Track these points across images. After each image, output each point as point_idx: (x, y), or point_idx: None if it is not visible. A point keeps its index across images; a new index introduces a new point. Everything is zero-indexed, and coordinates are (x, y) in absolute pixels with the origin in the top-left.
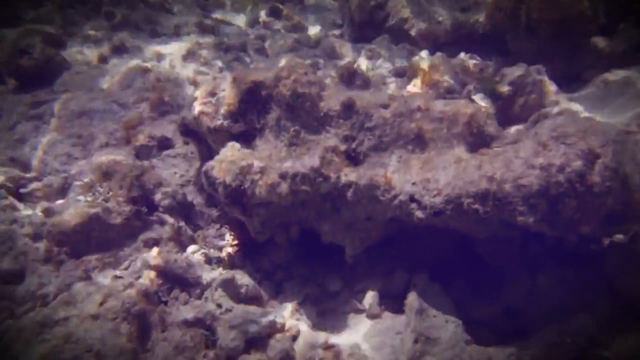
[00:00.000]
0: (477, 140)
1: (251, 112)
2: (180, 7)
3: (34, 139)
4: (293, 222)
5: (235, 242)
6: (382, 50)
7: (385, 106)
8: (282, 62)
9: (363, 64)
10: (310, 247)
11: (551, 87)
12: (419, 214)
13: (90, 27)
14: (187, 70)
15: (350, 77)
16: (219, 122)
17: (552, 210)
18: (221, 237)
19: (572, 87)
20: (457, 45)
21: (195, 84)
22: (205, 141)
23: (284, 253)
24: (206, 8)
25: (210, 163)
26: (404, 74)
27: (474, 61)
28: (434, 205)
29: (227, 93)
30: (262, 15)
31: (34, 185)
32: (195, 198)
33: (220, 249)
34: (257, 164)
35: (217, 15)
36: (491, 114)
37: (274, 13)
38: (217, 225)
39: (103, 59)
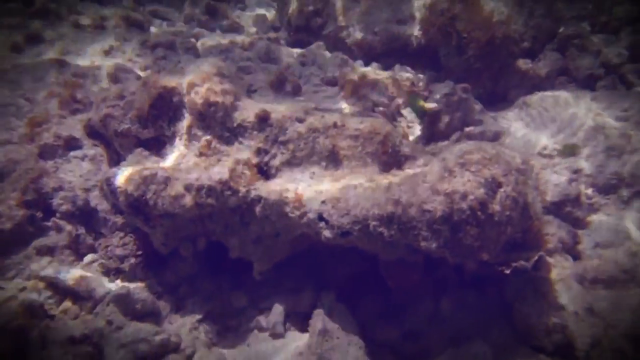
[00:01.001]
0: (391, 160)
1: (162, 119)
2: None
3: None
4: (200, 234)
5: (139, 252)
6: (316, 57)
7: (301, 120)
8: (205, 66)
9: (296, 70)
10: (218, 261)
11: (476, 106)
12: (327, 233)
13: (5, 11)
14: (108, 66)
15: (280, 84)
16: (126, 126)
17: (453, 237)
18: (124, 246)
19: (497, 106)
20: (392, 56)
21: (115, 81)
22: (113, 145)
23: (189, 266)
24: (142, 1)
25: (113, 170)
26: (336, 83)
27: (406, 75)
28: (342, 226)
29: (137, 97)
30: (198, 12)
31: None
32: (100, 204)
33: (121, 259)
34: (161, 173)
35: (152, 8)
36: (407, 133)
37: (211, 11)
38: (122, 234)
39: (17, 48)
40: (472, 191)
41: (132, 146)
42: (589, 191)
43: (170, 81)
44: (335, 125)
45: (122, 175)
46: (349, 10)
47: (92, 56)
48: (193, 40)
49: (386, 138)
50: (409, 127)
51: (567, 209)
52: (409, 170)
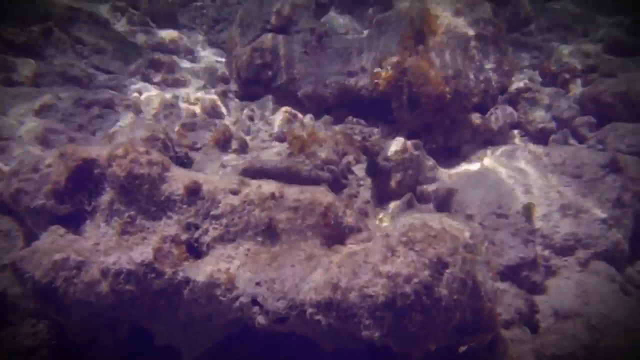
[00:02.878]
0: (334, 232)
1: (81, 193)
2: (53, 51)
3: None
4: (121, 321)
5: (52, 342)
6: (265, 112)
7: (235, 192)
8: (140, 131)
9: (243, 126)
10: (143, 347)
11: (429, 162)
12: (261, 319)
13: None
14: (38, 127)
15: (226, 142)
16: (40, 202)
17: (397, 324)
18: (35, 335)
19: (451, 161)
20: (344, 108)
21: (44, 144)
22: (26, 222)
23: (109, 357)
24: (83, 54)
25: (20, 253)
26: (284, 139)
27: (358, 128)
28: (277, 311)
29: (54, 169)
30: (142, 65)
31: None
32: (11, 287)
33: (31, 351)
34: (74, 257)
35: (95, 61)
36: (351, 202)
37: (156, 65)
38: (33, 321)
39: None
40: (416, 273)
41: (47, 223)
42: (546, 253)
43: (90, 152)
44: (272, 196)
45: (30, 259)
46: (299, 63)
47: (20, 117)
48: (136, 95)
49: (328, 209)
50: (359, 185)
51: (523, 273)
52: (351, 246)
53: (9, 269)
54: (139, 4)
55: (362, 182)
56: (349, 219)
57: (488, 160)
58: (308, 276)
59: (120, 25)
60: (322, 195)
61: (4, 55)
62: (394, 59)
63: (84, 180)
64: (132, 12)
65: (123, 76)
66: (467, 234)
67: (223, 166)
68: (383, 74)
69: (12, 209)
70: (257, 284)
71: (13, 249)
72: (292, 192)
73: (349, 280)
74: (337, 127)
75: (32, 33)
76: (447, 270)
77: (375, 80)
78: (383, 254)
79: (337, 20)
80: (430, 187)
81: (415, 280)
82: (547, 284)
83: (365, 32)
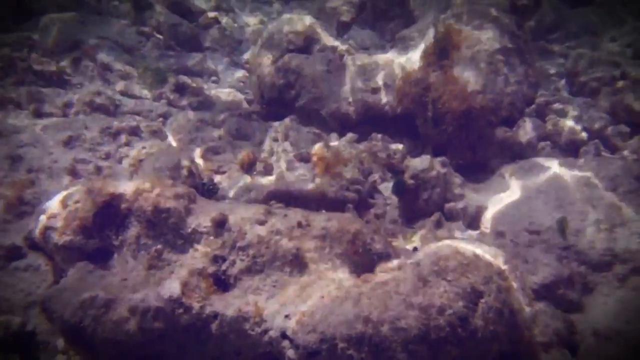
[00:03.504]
0: (363, 260)
1: (108, 228)
2: (82, 79)
3: None
4: (150, 357)
5: None
6: (289, 132)
7: (262, 222)
8: (166, 160)
9: (267, 146)
10: None
11: (456, 179)
12: (291, 353)
13: None
14: (66, 158)
15: (251, 164)
16: (68, 239)
17: (432, 358)
18: None
19: (479, 177)
20: (368, 125)
21: (73, 174)
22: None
23: None
24: (110, 80)
25: (49, 291)
26: (309, 160)
27: (382, 145)
28: (308, 345)
29: (82, 205)
30: (167, 90)
31: None
32: (40, 324)
33: None
34: (102, 296)
35: (122, 87)
36: (379, 229)
37: (180, 89)
38: (63, 358)
39: None
40: (450, 304)
41: (75, 259)
42: (582, 269)
43: (117, 187)
44: (299, 225)
45: (58, 298)
46: (322, 81)
47: (50, 147)
48: (160, 120)
49: (356, 237)
50: (386, 204)
51: (559, 292)
52: (381, 275)
53: (38, 308)
54: (164, 29)
55: (388, 201)
56: (378, 245)
57: (516, 175)
58: (338, 308)
59: (146, 50)
60: (350, 222)
61: (35, 86)
62: (418, 75)
63: (111, 216)
64: (157, 37)
65: (149, 101)
66: (500, 260)
67: (248, 190)
68: (407, 90)
69: (42, 245)
70: (287, 316)
71: (42, 285)
72: (319, 220)
73: (380, 313)
74: (362, 145)
75: (61, 62)
76: (482, 300)
77: (399, 97)
78: (414, 284)
79: (359, 37)
80: (459, 205)
81: (449, 311)
82: (584, 301)
83: (388, 47)
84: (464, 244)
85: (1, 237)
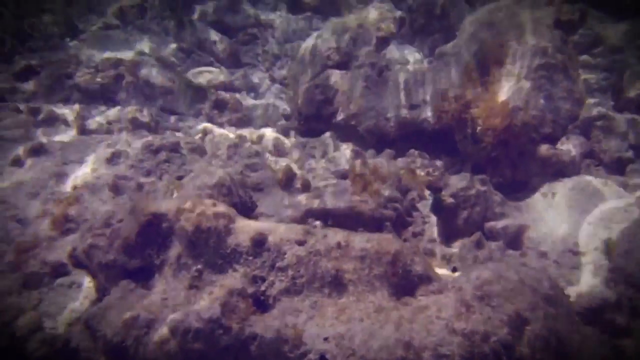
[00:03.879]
0: (403, 282)
1: (150, 247)
2: (124, 95)
3: None
4: None
5: None
6: (327, 149)
7: (301, 243)
8: (206, 179)
9: (305, 163)
10: None
11: (496, 197)
12: None
13: (12, 123)
14: (109, 175)
15: (289, 181)
16: (111, 257)
17: None
18: None
19: (520, 195)
20: (406, 141)
21: (115, 191)
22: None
23: None
24: (152, 96)
25: (92, 310)
26: (347, 177)
27: (420, 162)
28: None
29: (125, 224)
30: (207, 106)
31: None
32: (82, 341)
33: None
34: (143, 316)
35: (163, 103)
36: (419, 250)
37: (219, 105)
38: None
39: (17, 162)
40: (494, 331)
41: (118, 277)
42: (630, 292)
43: (159, 206)
44: (339, 245)
45: (101, 317)
46: (360, 97)
47: (93, 164)
48: (199, 137)
49: (396, 258)
50: (424, 222)
51: (606, 316)
52: (421, 299)
53: (82, 326)
54: (204, 45)
55: (427, 219)
56: (418, 267)
57: (559, 194)
58: (378, 332)
59: (186, 67)
60: (389, 242)
61: (80, 103)
62: (458, 91)
63: (153, 235)
64: (198, 54)
65: (189, 118)
66: (546, 284)
67: (286, 207)
68: (446, 106)
69: (85, 263)
70: (326, 339)
71: (86, 302)
72: (359, 241)
73: (422, 338)
74: (400, 162)
75: (105, 80)
76: (528, 327)
77: (438, 113)
78: (457, 309)
79: (398, 52)
80: (500, 224)
81: (494, 338)
82: (633, 326)
83: (427, 63)
84: (508, 267)
85: (47, 254)
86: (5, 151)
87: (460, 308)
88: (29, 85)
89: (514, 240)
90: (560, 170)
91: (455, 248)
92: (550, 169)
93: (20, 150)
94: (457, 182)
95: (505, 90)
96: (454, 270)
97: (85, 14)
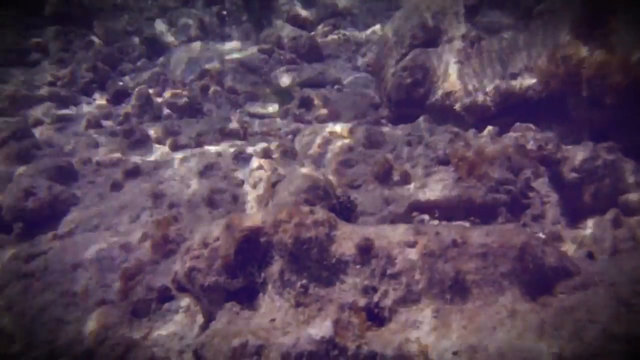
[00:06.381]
0: (536, 278)
1: (250, 264)
2: (211, 106)
3: (22, 304)
4: None
5: None
6: (423, 134)
7: (412, 244)
8: (301, 182)
9: (402, 153)
10: None
11: (628, 165)
12: None
13: (106, 150)
14: (203, 188)
15: (386, 175)
16: (213, 279)
17: None
18: None
19: None
20: (508, 115)
21: (211, 205)
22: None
23: None
24: (237, 102)
25: (201, 338)
26: (448, 162)
27: (530, 136)
28: None
29: (222, 243)
30: (294, 106)
31: None
32: None
33: None
34: (252, 342)
35: (249, 108)
36: (549, 238)
37: (305, 103)
38: None
39: (117, 186)
40: None
41: (221, 300)
42: None
43: (254, 219)
44: (454, 243)
45: (210, 345)
46: (453, 74)
47: (186, 179)
48: (290, 138)
49: (523, 251)
50: (543, 202)
51: None
52: (563, 298)
53: (192, 356)
54: (283, 44)
55: (545, 199)
56: (551, 259)
57: None
58: (518, 342)
59: (269, 67)
60: (513, 234)
61: (170, 119)
62: (567, 51)
63: (251, 250)
64: (279, 52)
65: (276, 120)
66: None
67: (387, 203)
68: (554, 69)
69: (188, 287)
70: (455, 354)
71: (194, 327)
72: (477, 236)
73: (575, 348)
74: (506, 139)
75: (192, 93)
76: None
77: (546, 78)
78: (614, 310)
79: (489, 19)
80: (635, 196)
81: None
82: None
83: (522, 26)
84: None
85: (152, 279)
86: (105, 176)
87: (618, 308)
88: (122, 108)
89: None
90: None
91: (586, 229)
92: None
93: (117, 174)
94: (578, 153)
95: (623, 43)
96: (590, 256)
97: (168, 30)
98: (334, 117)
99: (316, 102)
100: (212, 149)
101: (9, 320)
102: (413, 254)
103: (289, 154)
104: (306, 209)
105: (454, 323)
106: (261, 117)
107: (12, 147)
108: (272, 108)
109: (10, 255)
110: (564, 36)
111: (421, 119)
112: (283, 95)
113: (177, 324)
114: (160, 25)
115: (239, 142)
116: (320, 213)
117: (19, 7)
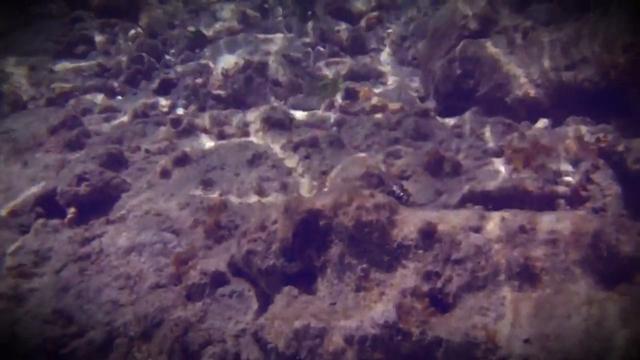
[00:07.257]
0: (610, 268)
1: (309, 248)
2: (255, 97)
3: (79, 285)
4: None
5: None
6: (473, 126)
7: (477, 229)
8: (355, 169)
9: (452, 144)
10: None
11: None
12: None
13: (154, 138)
14: (252, 177)
15: (437, 165)
16: (271, 262)
17: None
18: None
19: None
20: (563, 108)
21: (260, 193)
22: (259, 283)
23: None
24: (281, 95)
25: (260, 321)
26: (502, 153)
27: (586, 129)
28: None
29: (279, 226)
30: (338, 98)
31: (75, 342)
32: (251, 353)
33: None
34: (314, 324)
35: (292, 101)
36: (625, 226)
37: (351, 95)
38: None
39: (166, 173)
40: None
41: (279, 283)
42: None
43: (313, 202)
44: (522, 229)
45: (270, 328)
46: (505, 65)
47: (236, 168)
48: (335, 129)
49: (597, 238)
50: (604, 195)
51: None
52: None
53: (251, 338)
54: (327, 36)
55: (606, 192)
56: (627, 248)
57: None
58: (596, 331)
59: (312, 60)
60: (585, 221)
61: (215, 109)
62: (628, 40)
63: (310, 233)
64: (322, 45)
65: (321, 112)
66: None
67: (438, 194)
68: (615, 59)
69: (245, 271)
70: (526, 341)
71: (249, 312)
72: (546, 222)
73: None
74: (561, 131)
75: (234, 85)
76: None
77: (605, 69)
78: None
79: (541, 8)
80: None
81: None
82: None
83: (576, 14)
84: None
85: (205, 264)
86: (154, 163)
87: None
88: (168, 98)
89: None
90: None
91: None
92: None
93: (166, 162)
94: None
95: None
96: None
97: (211, 22)
98: (380, 109)
99: (361, 94)
100: (259, 139)
101: (66, 301)
102: (479, 239)
103: (336, 145)
104: (366, 192)
105: (524, 310)
106: (305, 109)
107: (63, 135)
108: (316, 100)
109: (65, 239)
110: (625, 23)
111: (470, 111)
112: (327, 87)
113: (232, 308)
114: (203, 18)
115: (284, 132)
116: (381, 196)
117: None
